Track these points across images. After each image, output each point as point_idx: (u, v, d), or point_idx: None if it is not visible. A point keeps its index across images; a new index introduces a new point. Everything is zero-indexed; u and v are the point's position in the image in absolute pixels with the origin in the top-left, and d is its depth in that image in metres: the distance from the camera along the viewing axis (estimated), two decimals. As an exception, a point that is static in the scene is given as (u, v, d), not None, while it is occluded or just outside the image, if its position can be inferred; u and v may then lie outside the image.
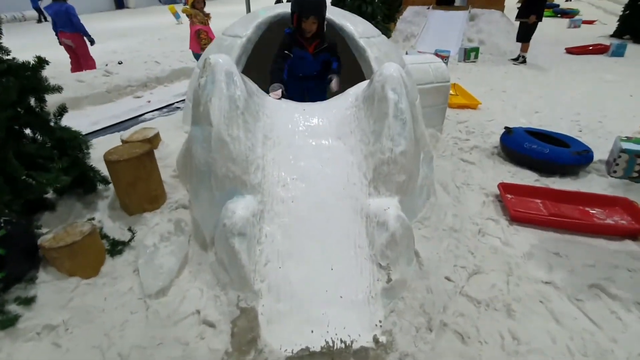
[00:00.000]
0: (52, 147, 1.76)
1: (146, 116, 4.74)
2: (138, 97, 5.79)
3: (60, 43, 5.97)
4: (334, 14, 2.51)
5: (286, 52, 2.21)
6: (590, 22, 11.43)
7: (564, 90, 5.59)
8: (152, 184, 1.86)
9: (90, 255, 1.58)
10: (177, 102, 5.32)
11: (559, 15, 13.12)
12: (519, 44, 7.02)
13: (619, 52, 7.33)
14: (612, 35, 8.98)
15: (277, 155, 1.79)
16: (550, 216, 2.47)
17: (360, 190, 1.72)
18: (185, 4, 6.24)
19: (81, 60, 6.21)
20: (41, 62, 1.70)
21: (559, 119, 4.48)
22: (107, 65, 6.80)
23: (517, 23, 6.95)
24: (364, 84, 1.99)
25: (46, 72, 1.81)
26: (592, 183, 3.02)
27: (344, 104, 1.98)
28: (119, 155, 1.75)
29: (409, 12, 9.41)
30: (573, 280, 1.95)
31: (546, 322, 1.70)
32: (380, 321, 1.40)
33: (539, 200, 2.68)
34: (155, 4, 23.43)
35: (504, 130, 3.55)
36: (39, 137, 1.78)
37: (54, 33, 5.92)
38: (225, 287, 1.57)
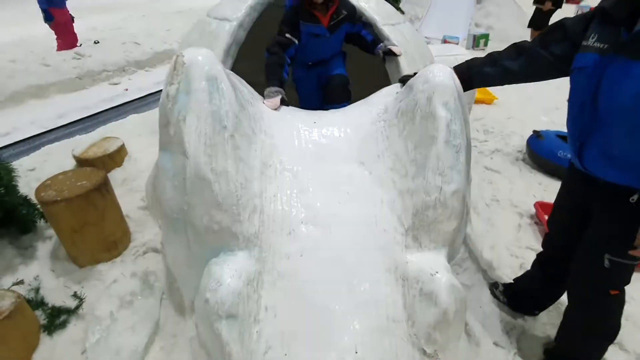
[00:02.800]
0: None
1: (120, 109, 4.14)
2: (114, 84, 5.14)
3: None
4: (346, -8, 1.97)
5: (288, 36, 1.59)
6: (598, 8, 10.94)
7: (584, 83, 5.16)
8: (108, 226, 1.37)
9: (16, 340, 1.10)
10: (157, 91, 4.72)
11: (564, 1, 12.58)
12: (529, 31, 6.54)
13: None
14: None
15: (280, 189, 1.31)
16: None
17: (394, 241, 1.26)
18: None
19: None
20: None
21: (583, 117, 4.08)
22: (80, 45, 6.07)
23: (527, 8, 6.47)
24: (394, 89, 1.50)
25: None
26: (636, 198, 2.65)
27: (369, 116, 1.49)
28: (57, 191, 1.23)
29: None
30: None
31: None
32: None
33: (585, 224, 2.28)
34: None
35: (531, 134, 3.13)
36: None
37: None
38: (209, 381, 1.13)
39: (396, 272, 1.23)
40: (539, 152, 2.95)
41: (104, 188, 1.32)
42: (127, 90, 4.82)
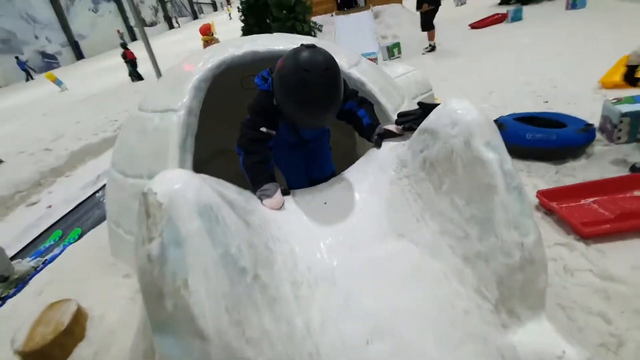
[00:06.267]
0: None
1: (48, 233, 3.42)
2: (33, 204, 4.35)
3: None
4: (286, 41, 1.76)
5: (264, 129, 1.27)
6: (472, -4, 12.36)
7: (496, 64, 5.62)
8: None
9: None
10: (88, 197, 4.05)
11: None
12: (426, 34, 7.11)
13: (517, 17, 7.81)
14: (500, 4, 9.65)
15: (323, 310, 0.99)
16: (623, 218, 2.03)
17: (485, 321, 1.00)
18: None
19: None
20: None
21: (516, 95, 4.35)
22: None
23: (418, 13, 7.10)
24: (396, 139, 1.29)
25: None
26: (607, 156, 2.79)
27: (383, 176, 1.24)
28: None
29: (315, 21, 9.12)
30: None
31: None
32: None
33: (591, 200, 2.25)
34: (20, 80, 19.91)
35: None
36: None
37: None
38: None
39: (504, 361, 0.96)
40: (509, 140, 2.95)
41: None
42: (50, 207, 4.08)
